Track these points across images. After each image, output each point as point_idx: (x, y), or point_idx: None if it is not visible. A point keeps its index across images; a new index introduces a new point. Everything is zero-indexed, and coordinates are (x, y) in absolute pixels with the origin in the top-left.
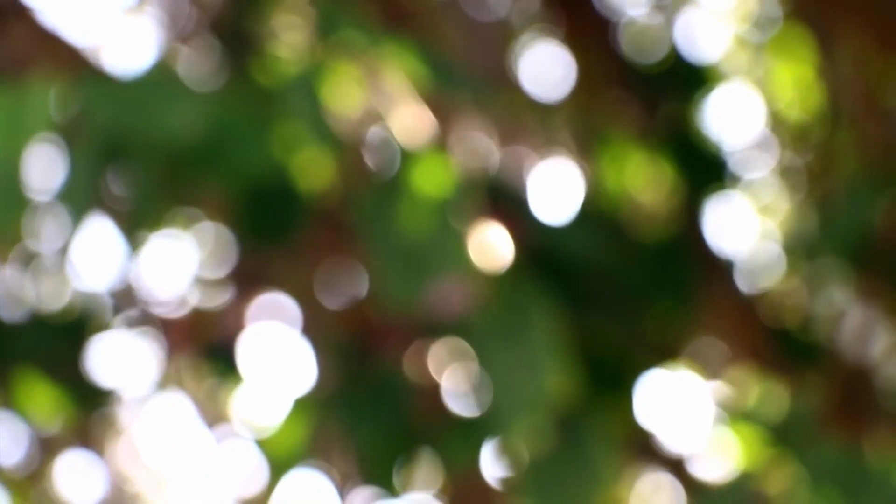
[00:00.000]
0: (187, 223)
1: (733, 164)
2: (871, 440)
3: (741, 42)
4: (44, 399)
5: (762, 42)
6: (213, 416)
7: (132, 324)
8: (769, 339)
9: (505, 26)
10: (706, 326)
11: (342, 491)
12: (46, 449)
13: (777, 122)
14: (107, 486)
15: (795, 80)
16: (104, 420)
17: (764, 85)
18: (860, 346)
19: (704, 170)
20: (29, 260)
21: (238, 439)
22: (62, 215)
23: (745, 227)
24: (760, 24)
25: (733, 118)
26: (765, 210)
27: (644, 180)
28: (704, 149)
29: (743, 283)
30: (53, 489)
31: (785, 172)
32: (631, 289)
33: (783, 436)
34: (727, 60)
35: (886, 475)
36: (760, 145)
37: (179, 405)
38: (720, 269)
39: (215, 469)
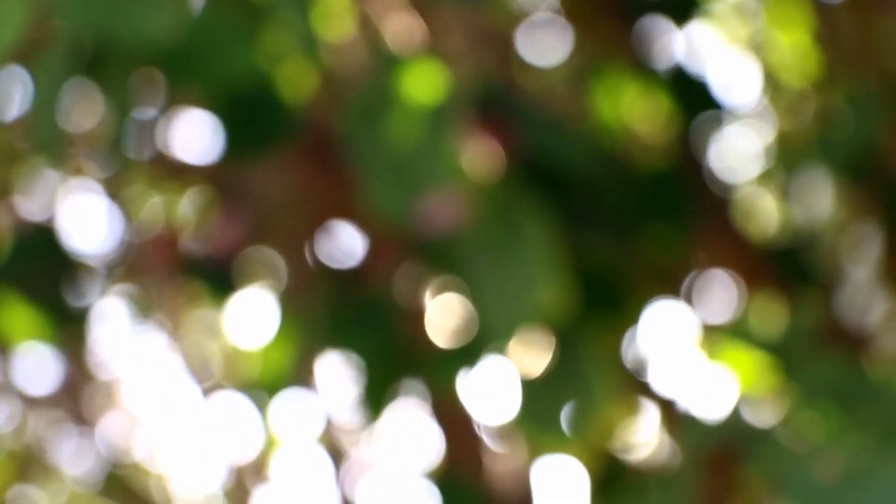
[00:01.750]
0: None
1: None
2: (870, 355)
3: (738, 9)
4: (23, 320)
5: (759, 8)
6: (200, 365)
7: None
8: (766, 263)
9: None
10: (702, 252)
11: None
12: (37, 416)
13: (775, 89)
14: (100, 455)
15: (793, 47)
16: (96, 388)
17: (761, 52)
18: (860, 312)
19: (701, 101)
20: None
21: (228, 394)
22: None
23: (742, 159)
24: None
25: (731, 83)
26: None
27: (640, 112)
28: (700, 81)
29: (739, 212)
30: (46, 458)
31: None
32: (627, 213)
33: (780, 353)
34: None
35: (887, 389)
36: (758, 114)
37: (166, 355)
38: (717, 198)
39: (207, 431)
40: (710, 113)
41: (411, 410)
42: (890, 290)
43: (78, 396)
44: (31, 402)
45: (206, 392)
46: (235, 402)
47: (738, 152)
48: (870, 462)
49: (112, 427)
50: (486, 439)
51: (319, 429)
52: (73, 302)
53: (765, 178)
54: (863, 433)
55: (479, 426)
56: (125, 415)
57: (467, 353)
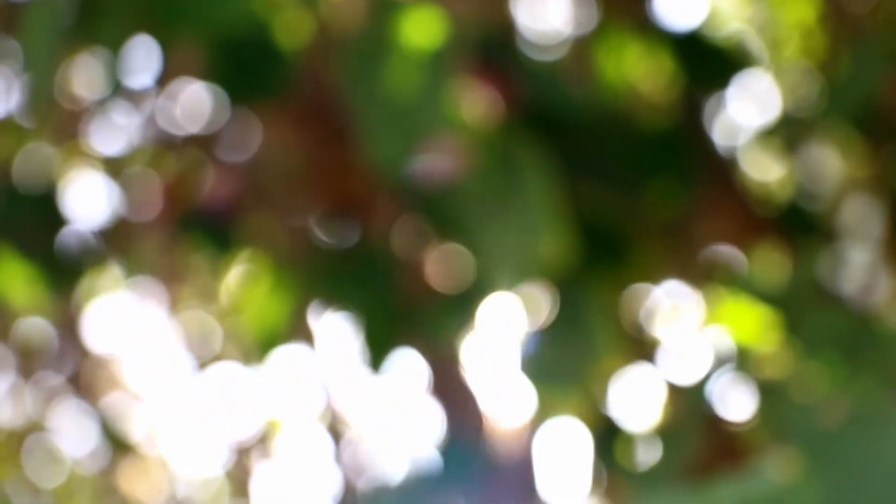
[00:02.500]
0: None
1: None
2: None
3: None
4: (17, 276)
5: None
6: (199, 338)
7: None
8: (767, 219)
9: None
10: (704, 211)
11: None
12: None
13: (779, 69)
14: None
15: (798, 26)
16: (94, 364)
17: (766, 32)
18: (864, 291)
19: (705, 62)
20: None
21: (227, 368)
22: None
23: (745, 120)
24: None
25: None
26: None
27: (644, 72)
28: (705, 40)
29: (742, 170)
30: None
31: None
32: (629, 167)
33: (783, 305)
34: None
35: (890, 337)
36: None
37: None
38: (719, 156)
39: (207, 408)
40: (713, 74)
41: (411, 379)
42: (893, 268)
43: (76, 373)
44: (29, 379)
45: (206, 366)
46: (235, 378)
47: (742, 112)
48: (874, 408)
49: (112, 404)
50: (486, 404)
51: (320, 402)
52: (68, 262)
53: (768, 135)
54: (867, 380)
55: (478, 391)
56: (124, 391)
57: (467, 304)
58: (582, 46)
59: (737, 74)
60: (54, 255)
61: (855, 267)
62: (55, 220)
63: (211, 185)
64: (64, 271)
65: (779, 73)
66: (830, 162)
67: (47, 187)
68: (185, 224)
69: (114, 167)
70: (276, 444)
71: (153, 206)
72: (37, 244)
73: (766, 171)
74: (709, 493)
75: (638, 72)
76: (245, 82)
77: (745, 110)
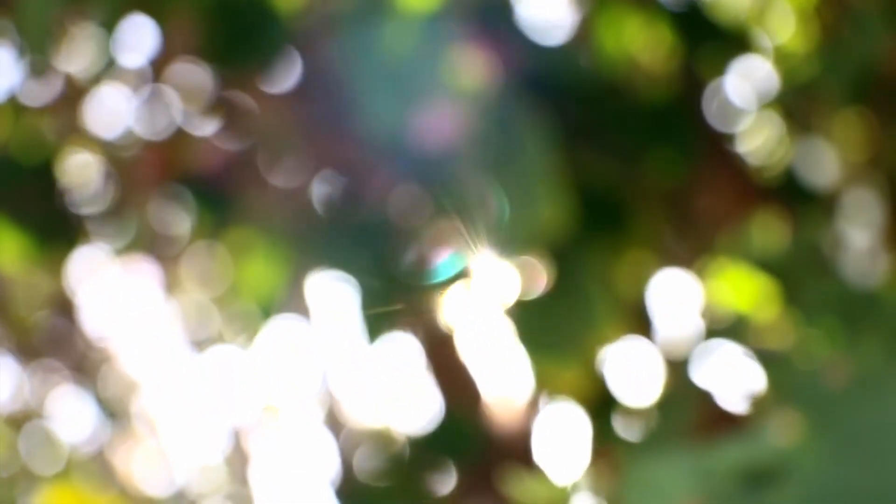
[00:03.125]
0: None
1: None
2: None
3: None
4: (12, 245)
5: None
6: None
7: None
8: (767, 191)
9: None
10: (703, 181)
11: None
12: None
13: (779, 56)
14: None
15: (798, 12)
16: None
17: (765, 19)
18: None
19: (704, 38)
20: None
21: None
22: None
23: (744, 95)
24: None
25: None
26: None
27: (643, 44)
28: (704, 17)
29: (741, 141)
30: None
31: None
32: (628, 137)
33: (783, 272)
34: None
35: (890, 301)
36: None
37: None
38: (718, 129)
39: (205, 393)
40: (712, 51)
41: (406, 355)
42: (892, 249)
43: (73, 355)
44: (27, 362)
45: (203, 349)
46: (233, 361)
47: (741, 88)
48: (875, 371)
49: (109, 387)
50: (483, 377)
51: (317, 383)
52: (63, 232)
53: (768, 107)
54: (868, 344)
55: (475, 364)
56: (122, 374)
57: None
58: (582, 16)
59: (736, 53)
60: (49, 225)
61: (854, 248)
62: (51, 190)
63: (206, 153)
64: (59, 241)
65: (778, 56)
66: (830, 136)
67: (44, 159)
68: (181, 190)
69: (111, 145)
70: (274, 428)
71: (149, 177)
72: (32, 214)
73: (765, 143)
74: (709, 455)
75: (637, 43)
76: (241, 48)
77: (744, 87)
